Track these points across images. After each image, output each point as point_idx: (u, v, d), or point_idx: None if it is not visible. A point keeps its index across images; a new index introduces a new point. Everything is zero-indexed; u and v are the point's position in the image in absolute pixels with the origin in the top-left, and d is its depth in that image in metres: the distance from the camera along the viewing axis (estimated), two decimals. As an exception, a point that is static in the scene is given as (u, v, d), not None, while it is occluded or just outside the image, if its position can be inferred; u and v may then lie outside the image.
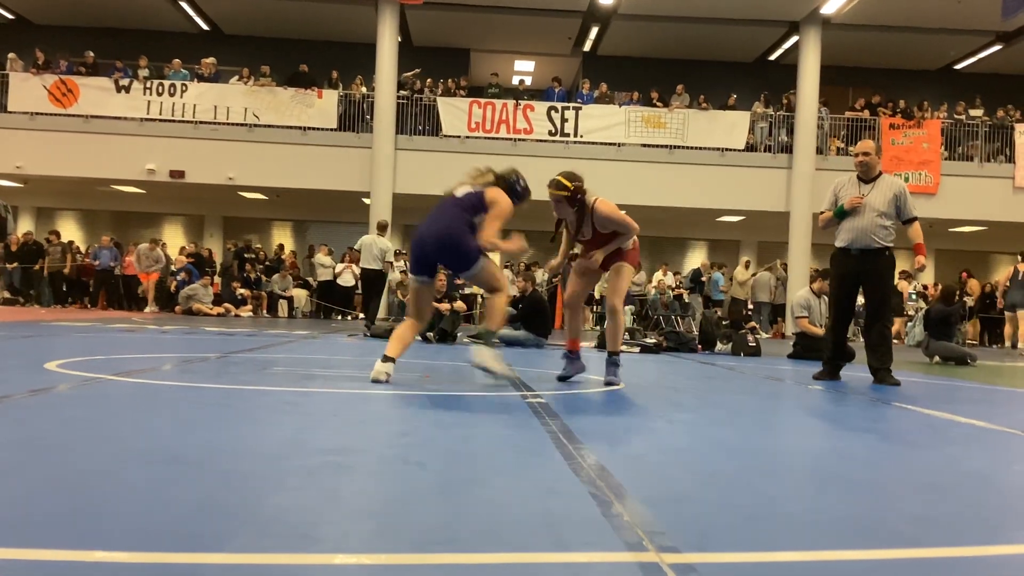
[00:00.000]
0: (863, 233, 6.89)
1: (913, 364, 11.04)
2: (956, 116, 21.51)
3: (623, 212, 6.00)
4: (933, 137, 20.60)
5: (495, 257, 6.70)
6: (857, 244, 6.92)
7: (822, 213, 7.32)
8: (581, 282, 6.16)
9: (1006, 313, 17.27)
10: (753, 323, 15.94)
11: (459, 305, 11.86)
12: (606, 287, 6.24)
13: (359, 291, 19.59)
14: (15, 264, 19.73)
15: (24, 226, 22.74)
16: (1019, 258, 17.32)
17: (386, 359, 5.38)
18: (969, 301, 18.16)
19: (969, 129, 21.26)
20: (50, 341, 8.48)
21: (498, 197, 5.55)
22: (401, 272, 20.43)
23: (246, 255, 21.00)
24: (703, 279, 20.79)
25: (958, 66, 24.39)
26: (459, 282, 18.96)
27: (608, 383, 5.81)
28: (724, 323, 15.62)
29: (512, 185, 5.79)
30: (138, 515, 2.02)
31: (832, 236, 7.23)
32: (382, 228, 14.47)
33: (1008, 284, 17.13)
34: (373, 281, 14.11)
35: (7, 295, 19.76)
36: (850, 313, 7.47)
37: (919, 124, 20.78)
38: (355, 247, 14.41)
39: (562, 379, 6.04)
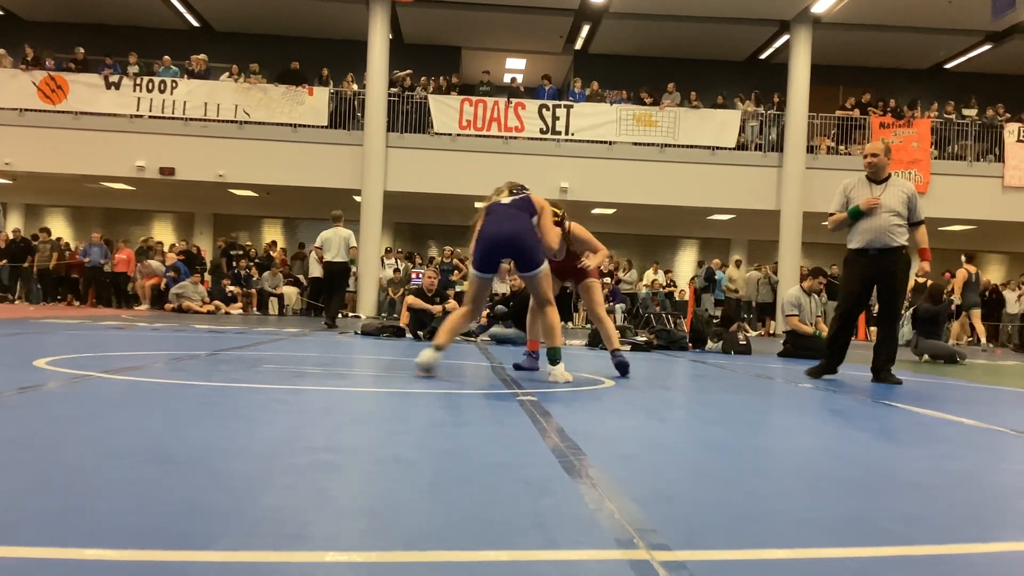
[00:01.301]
0: (880, 233, 6.84)
1: (902, 363, 11.08)
2: (946, 115, 21.59)
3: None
4: (923, 136, 20.69)
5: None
6: (875, 244, 6.87)
7: (832, 215, 7.18)
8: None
9: (972, 311, 17.53)
10: (742, 322, 15.98)
11: (452, 305, 11.84)
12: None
13: (351, 288, 19.59)
14: (3, 261, 19.63)
15: (13, 223, 22.65)
16: (963, 259, 17.66)
17: (438, 348, 5.80)
18: (956, 299, 18.35)
19: (959, 128, 21.35)
20: (39, 338, 8.44)
21: (543, 202, 6.14)
22: (395, 271, 20.44)
23: (232, 251, 20.96)
24: (716, 277, 20.81)
25: (948, 65, 24.49)
26: (453, 278, 18.99)
27: (619, 369, 6.51)
28: (715, 321, 15.66)
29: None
30: (128, 513, 2.01)
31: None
32: (337, 219, 14.01)
33: (964, 287, 17.28)
34: (339, 274, 14.05)
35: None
36: (858, 315, 7.37)
37: (909, 123, 20.87)
38: (317, 244, 14.08)
39: (517, 368, 6.64)
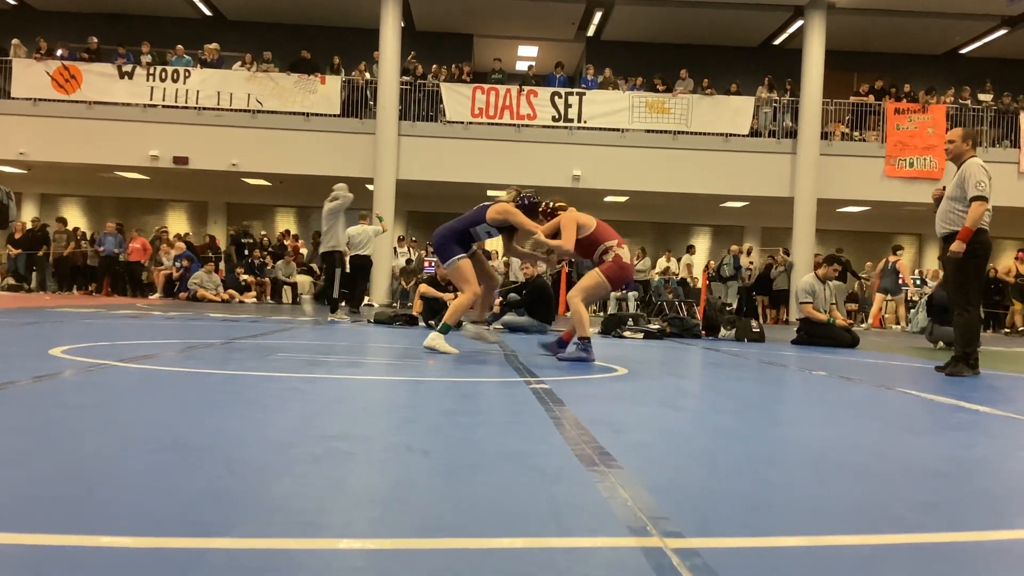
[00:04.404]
0: (937, 220, 6.84)
1: (917, 350, 11.05)
2: (961, 101, 21.40)
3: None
4: (938, 122, 20.52)
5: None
6: (936, 230, 6.88)
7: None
8: None
9: (877, 295, 19.28)
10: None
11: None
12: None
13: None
14: (19, 250, 19.74)
15: (28, 212, 22.75)
16: (891, 251, 19.32)
17: (475, 322, 7.14)
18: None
19: (975, 114, 21.16)
20: (55, 327, 8.50)
21: (505, 208, 6.81)
22: (407, 261, 20.46)
23: (243, 240, 21.00)
24: (740, 265, 20.69)
25: (963, 51, 24.28)
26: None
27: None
28: (728, 309, 15.63)
29: (521, 200, 6.99)
30: (143, 501, 2.02)
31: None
32: (363, 217, 15.57)
33: (881, 273, 19.04)
34: (364, 267, 15.17)
35: (11, 281, 19.79)
36: (948, 300, 7.17)
37: (924, 109, 20.70)
38: (345, 241, 15.14)
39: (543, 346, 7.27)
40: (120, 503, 2.00)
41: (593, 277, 6.79)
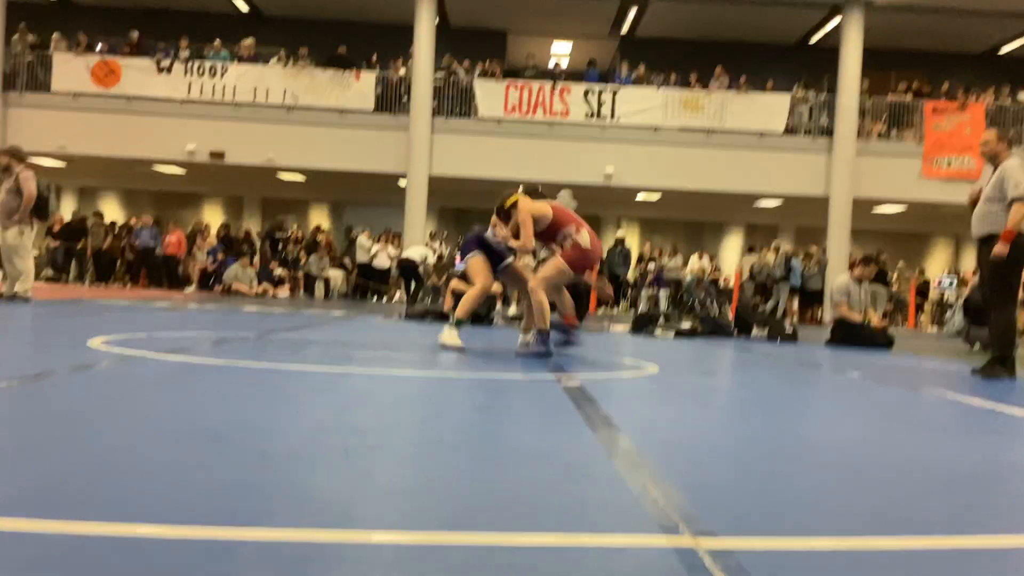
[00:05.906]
0: (974, 221, 6.75)
1: (954, 352, 10.91)
2: (1000, 101, 21.06)
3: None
4: (977, 122, 20.20)
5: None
6: (973, 232, 6.79)
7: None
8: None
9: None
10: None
11: (495, 288, 11.84)
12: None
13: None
14: (58, 243, 20.02)
15: (67, 205, 23.06)
16: None
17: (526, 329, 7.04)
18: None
19: (1014, 114, 20.82)
20: (93, 319, 8.61)
21: (495, 218, 6.80)
22: (438, 257, 20.54)
23: (277, 234, 21.16)
24: (792, 267, 20.37)
25: (1003, 49, 23.92)
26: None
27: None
28: (760, 308, 15.52)
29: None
30: (178, 491, 2.05)
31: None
32: (432, 237, 18.28)
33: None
34: (406, 269, 17.07)
35: (50, 273, 20.08)
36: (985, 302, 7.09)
37: (962, 108, 20.40)
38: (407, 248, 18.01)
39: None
40: (155, 492, 2.03)
41: (554, 265, 6.59)
